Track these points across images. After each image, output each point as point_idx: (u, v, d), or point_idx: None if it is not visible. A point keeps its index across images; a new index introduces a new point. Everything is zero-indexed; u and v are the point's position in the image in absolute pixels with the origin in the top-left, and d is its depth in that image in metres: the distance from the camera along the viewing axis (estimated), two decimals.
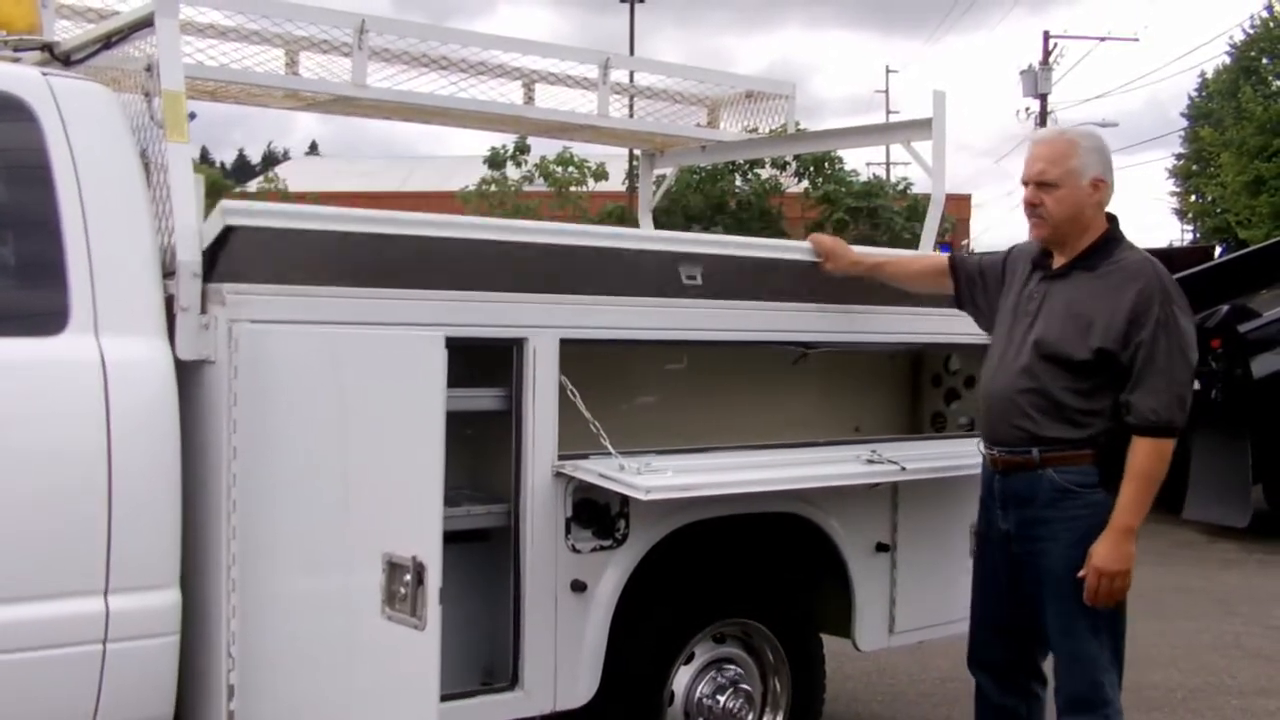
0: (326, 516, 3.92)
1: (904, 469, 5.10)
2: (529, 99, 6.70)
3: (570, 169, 33.51)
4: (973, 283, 5.14)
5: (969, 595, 5.04)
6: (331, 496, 3.91)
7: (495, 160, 34.01)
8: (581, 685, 4.68)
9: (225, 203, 4.12)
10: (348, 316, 4.13)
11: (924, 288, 5.36)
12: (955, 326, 5.47)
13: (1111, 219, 4.74)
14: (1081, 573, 4.51)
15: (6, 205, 3.99)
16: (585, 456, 4.59)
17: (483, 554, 4.66)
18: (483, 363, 4.53)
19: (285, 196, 35.17)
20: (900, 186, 40.14)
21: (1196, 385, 12.22)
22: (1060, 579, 4.58)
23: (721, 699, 5.05)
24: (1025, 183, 4.73)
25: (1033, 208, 4.69)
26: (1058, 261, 4.73)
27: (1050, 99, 44.70)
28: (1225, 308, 12.53)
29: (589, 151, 32.08)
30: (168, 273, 3.98)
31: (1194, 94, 52.71)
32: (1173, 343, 4.49)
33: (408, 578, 3.59)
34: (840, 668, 6.79)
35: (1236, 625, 9.31)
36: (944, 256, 5.28)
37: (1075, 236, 4.68)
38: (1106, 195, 4.70)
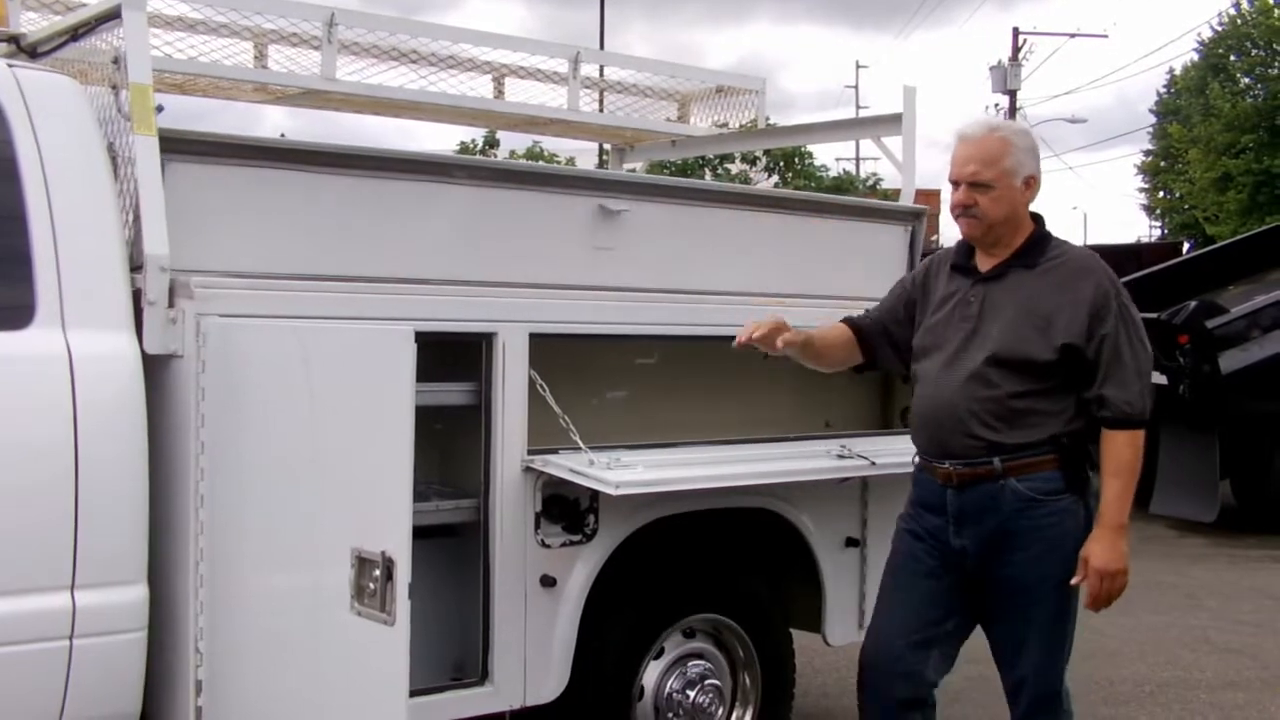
0: (296, 512, 3.91)
1: (874, 464, 5.11)
2: (499, 93, 6.69)
3: (540, 163, 33.47)
4: (887, 336, 4.76)
5: None
6: (301, 491, 3.90)
7: (465, 154, 33.96)
8: (551, 680, 4.68)
9: None
10: (317, 311, 4.12)
11: (843, 362, 4.86)
12: None
13: (1036, 215, 4.59)
14: (1077, 579, 4.36)
15: None
16: (555, 451, 4.59)
17: (452, 549, 4.65)
18: (452, 357, 4.52)
19: None
20: (870, 181, 40.21)
21: (1164, 380, 12.31)
22: (1031, 590, 4.41)
23: (691, 694, 5.06)
24: (955, 182, 4.49)
25: (965, 208, 4.46)
26: (988, 262, 4.52)
27: (1019, 95, 44.79)
28: (1193, 303, 12.58)
29: (559, 146, 31.98)
30: (135, 266, 3.96)
31: (1163, 91, 52.96)
32: (1133, 333, 4.39)
33: (377, 573, 3.58)
34: (810, 662, 6.81)
35: (1205, 619, 9.35)
36: (849, 330, 4.79)
37: (1008, 236, 4.50)
38: (1036, 192, 4.55)
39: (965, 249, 4.61)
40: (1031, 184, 4.50)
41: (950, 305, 4.53)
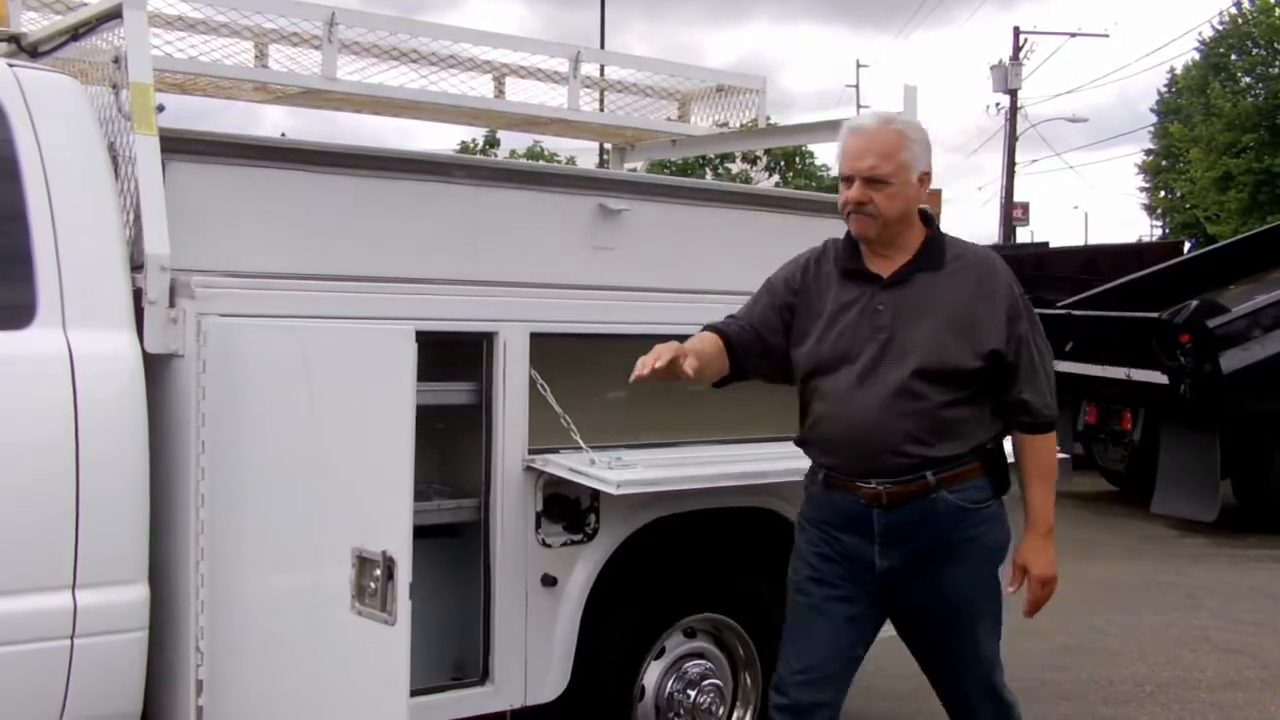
0: (297, 511, 3.92)
1: None
2: (499, 93, 6.68)
3: (540, 163, 33.50)
4: (761, 344, 4.33)
5: None
6: (301, 491, 3.91)
7: (465, 154, 33.98)
8: (552, 680, 4.68)
9: None
10: (318, 310, 4.12)
11: (715, 374, 4.33)
12: None
13: (925, 213, 4.35)
14: (1012, 588, 4.32)
15: None
16: (556, 451, 4.59)
17: (453, 549, 4.65)
18: (453, 357, 4.52)
19: None
20: None
21: (1165, 380, 12.33)
22: (973, 601, 4.27)
23: (692, 694, 5.06)
24: (848, 178, 4.20)
25: (859, 205, 4.15)
26: (886, 266, 4.24)
27: (1020, 94, 44.78)
28: (1194, 303, 12.57)
29: (559, 145, 32.04)
30: (136, 266, 3.96)
31: (1164, 90, 52.94)
32: (1039, 333, 4.29)
33: (378, 572, 3.58)
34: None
35: (1205, 619, 9.34)
36: (716, 338, 4.32)
37: (903, 235, 4.23)
38: (928, 189, 4.29)
39: (850, 251, 4.31)
40: (925, 180, 4.25)
41: (852, 315, 4.21)
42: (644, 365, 4.00)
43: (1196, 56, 47.25)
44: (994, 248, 26.71)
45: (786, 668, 4.30)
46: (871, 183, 4.13)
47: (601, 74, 7.40)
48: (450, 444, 4.72)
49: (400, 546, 3.54)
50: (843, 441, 4.19)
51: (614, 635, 4.86)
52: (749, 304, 4.42)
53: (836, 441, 4.21)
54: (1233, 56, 44.46)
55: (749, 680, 5.33)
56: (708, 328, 4.34)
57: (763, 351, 4.32)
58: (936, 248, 4.27)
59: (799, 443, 4.37)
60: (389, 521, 3.60)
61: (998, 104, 45.64)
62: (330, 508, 3.83)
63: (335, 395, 3.84)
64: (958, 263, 4.25)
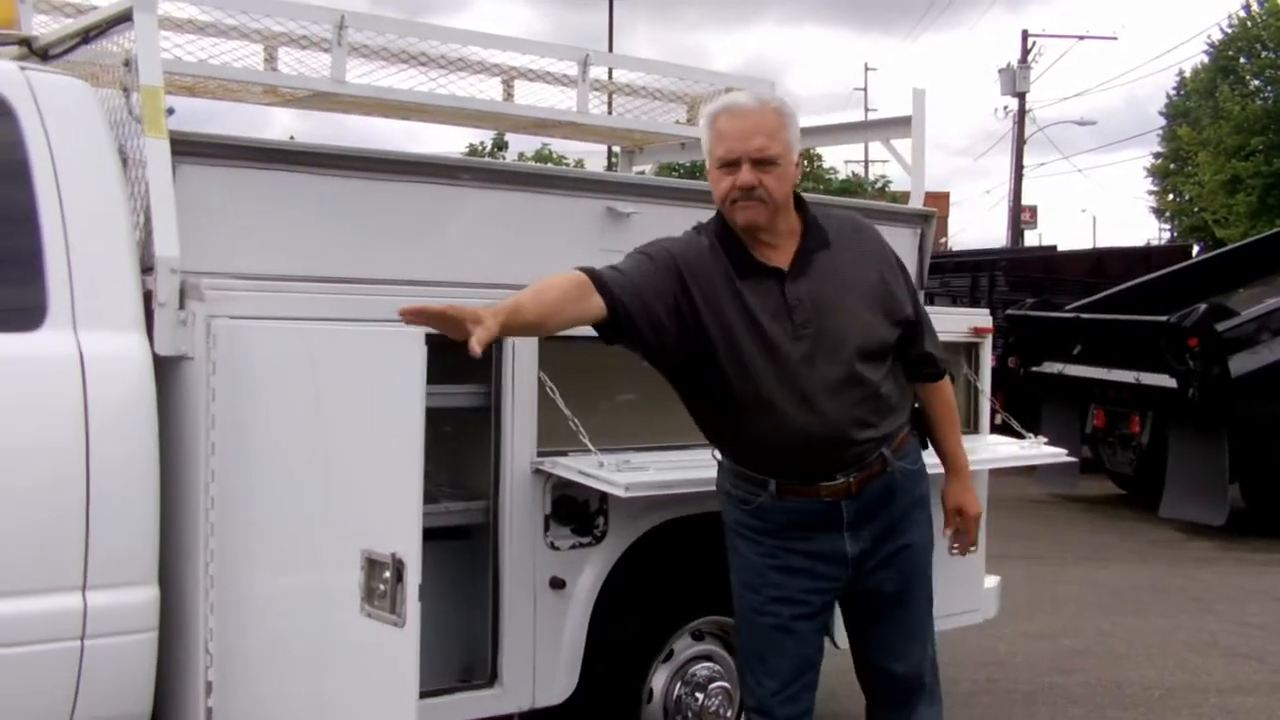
0: (305, 513, 3.92)
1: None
2: (508, 95, 6.70)
3: (548, 165, 33.52)
4: (646, 313, 3.92)
5: (947, 591, 4.80)
6: (310, 493, 3.91)
7: (473, 156, 34.00)
8: (560, 682, 4.68)
9: None
10: (327, 313, 4.12)
11: (569, 318, 3.89)
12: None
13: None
14: (948, 529, 4.46)
15: None
16: (564, 453, 4.59)
17: (461, 551, 4.65)
18: (462, 359, 4.52)
19: None
20: (879, 184, 40.22)
21: (1174, 384, 12.32)
22: (922, 558, 4.31)
23: (700, 697, 5.06)
24: (733, 161, 3.93)
25: (748, 191, 3.92)
26: (779, 255, 4.02)
27: (1029, 97, 44.77)
28: (1203, 306, 12.56)
29: (567, 148, 32.04)
30: (146, 268, 3.98)
31: (1172, 93, 52.84)
32: (911, 281, 4.36)
33: (387, 574, 3.58)
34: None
35: (1213, 623, 9.33)
36: (580, 275, 3.90)
37: (785, 219, 4.04)
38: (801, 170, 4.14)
39: (732, 247, 4.03)
40: (799, 163, 4.10)
41: (766, 316, 3.97)
42: (415, 309, 3.53)
43: (1205, 59, 47.18)
44: (1002, 251, 26.74)
45: (763, 689, 4.20)
46: (760, 164, 3.92)
47: (610, 77, 7.41)
48: (459, 447, 4.72)
49: (409, 548, 3.54)
50: (801, 450, 4.03)
51: (622, 638, 4.87)
52: (634, 269, 3.98)
53: (792, 452, 4.04)
54: (1241, 59, 44.40)
55: None
56: (582, 269, 3.92)
57: (650, 321, 3.92)
58: (816, 224, 4.11)
59: (730, 457, 4.21)
60: (398, 523, 3.59)
61: (1006, 107, 45.71)
62: (339, 510, 3.84)
63: (345, 397, 3.84)
64: (839, 234, 4.13)
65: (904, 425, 4.21)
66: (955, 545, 4.52)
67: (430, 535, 3.81)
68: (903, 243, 6.03)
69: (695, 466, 4.68)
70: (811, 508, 4.10)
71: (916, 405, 4.32)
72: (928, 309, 4.46)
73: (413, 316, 3.50)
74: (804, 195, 4.20)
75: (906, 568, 4.26)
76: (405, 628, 3.56)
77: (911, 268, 5.90)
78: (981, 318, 6.14)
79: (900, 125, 6.44)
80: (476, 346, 3.47)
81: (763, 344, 3.96)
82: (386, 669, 3.65)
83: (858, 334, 4.00)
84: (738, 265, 4.01)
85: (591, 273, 3.89)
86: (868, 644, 4.39)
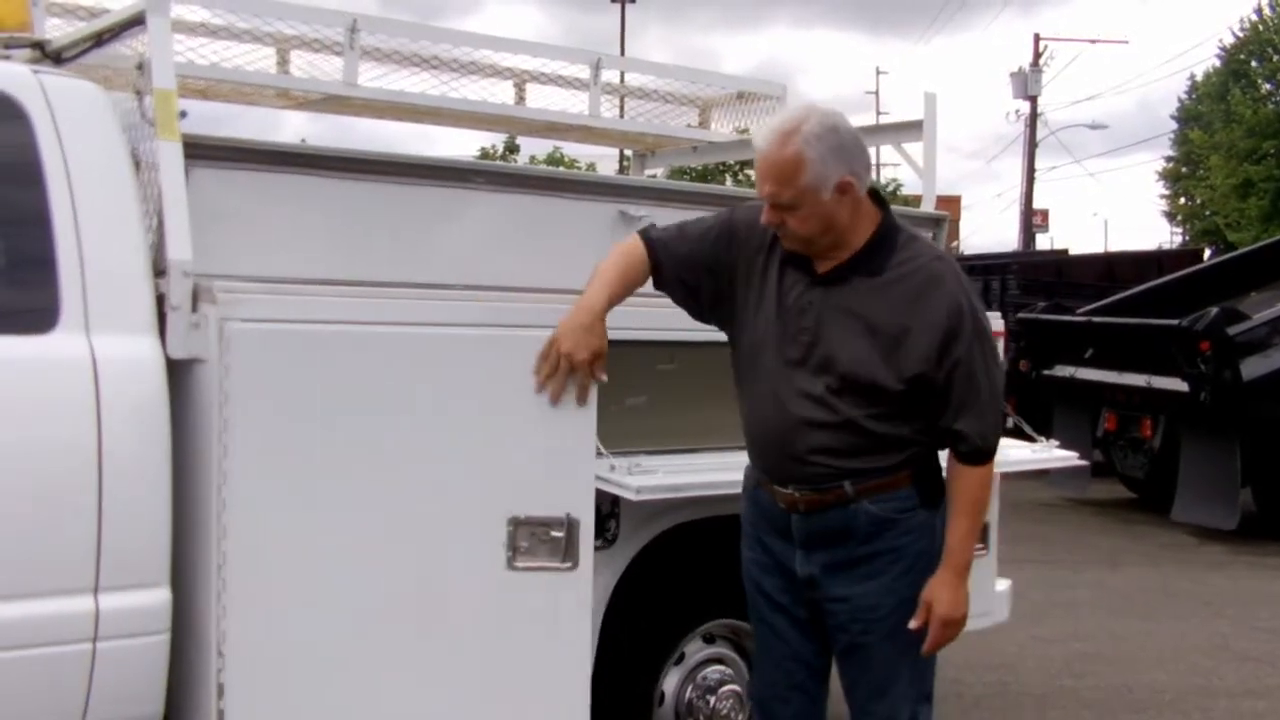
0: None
1: None
2: (520, 99, 6.71)
3: (560, 169, 33.53)
4: (683, 283, 4.17)
5: None
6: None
7: (485, 160, 34.04)
8: None
9: None
10: (338, 316, 4.13)
11: (634, 287, 4.19)
12: None
13: (882, 202, 3.99)
14: (916, 622, 3.93)
15: None
16: None
17: None
18: None
19: None
20: (890, 188, 40.20)
21: (1185, 387, 12.31)
22: (885, 618, 3.98)
23: (711, 699, 5.06)
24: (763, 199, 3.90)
25: (776, 226, 3.90)
26: (825, 264, 3.94)
27: (1040, 101, 44.73)
28: (1215, 310, 12.55)
29: (579, 152, 32.09)
30: (159, 271, 3.98)
31: (1184, 97, 52.91)
32: (988, 354, 3.92)
33: (555, 533, 4.17)
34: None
35: (1224, 627, 9.33)
36: (637, 243, 4.16)
37: (841, 239, 3.89)
38: (862, 186, 3.87)
39: None
40: (849, 188, 3.83)
41: (786, 309, 3.97)
42: (544, 374, 4.16)
43: (1217, 63, 47.27)
44: (1013, 254, 26.68)
45: (758, 682, 4.35)
46: (778, 208, 3.85)
47: (622, 80, 7.42)
48: None
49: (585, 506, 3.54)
50: (762, 444, 4.07)
51: (634, 641, 4.87)
52: (688, 232, 4.16)
53: (758, 443, 4.10)
54: (1253, 63, 44.45)
55: None
56: (641, 235, 4.18)
57: (686, 288, 4.16)
58: (880, 249, 3.92)
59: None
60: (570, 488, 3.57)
61: (1017, 110, 45.70)
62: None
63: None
64: (901, 268, 3.89)
65: (890, 469, 3.93)
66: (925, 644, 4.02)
67: None
68: None
69: (707, 470, 4.69)
70: (771, 509, 4.10)
71: (924, 456, 4.02)
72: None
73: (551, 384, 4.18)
74: (897, 218, 4.02)
75: (863, 618, 4.00)
76: (579, 569, 4.19)
77: None
78: (993, 321, 6.12)
79: (912, 129, 6.44)
80: (601, 375, 4.20)
81: (766, 326, 3.99)
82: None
83: (845, 364, 3.85)
84: (788, 253, 3.99)
85: (645, 237, 4.16)
86: (843, 681, 4.20)
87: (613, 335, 4.36)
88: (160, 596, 3.89)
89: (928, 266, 3.90)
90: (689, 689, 5.06)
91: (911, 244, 3.97)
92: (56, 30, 5.10)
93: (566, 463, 4.29)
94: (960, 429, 3.90)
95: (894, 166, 46.21)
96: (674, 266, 4.12)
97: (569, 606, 4.31)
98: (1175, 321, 12.57)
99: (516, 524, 4.19)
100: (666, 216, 5.02)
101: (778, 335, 3.96)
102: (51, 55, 4.75)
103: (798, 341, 3.92)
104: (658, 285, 4.18)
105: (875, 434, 3.88)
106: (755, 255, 4.05)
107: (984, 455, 3.97)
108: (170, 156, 4.01)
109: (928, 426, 3.94)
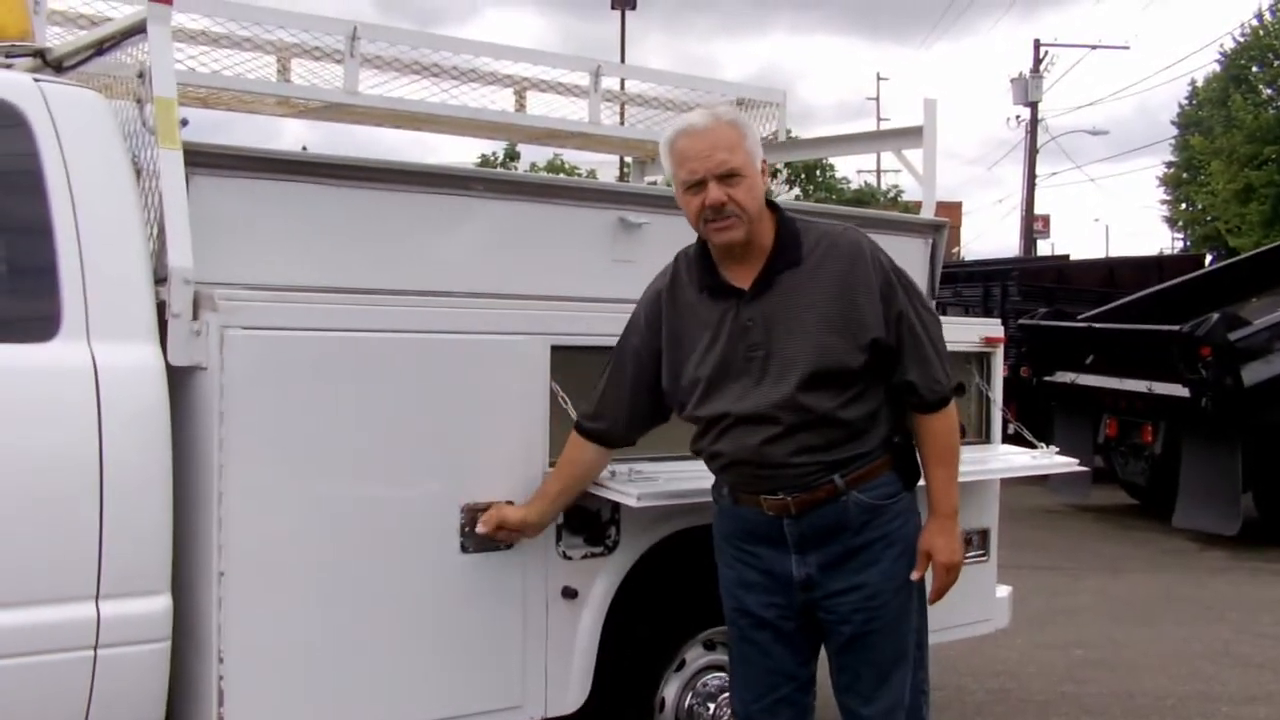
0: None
1: None
2: (520, 106, 6.72)
3: (560, 176, 33.57)
4: (639, 416, 4.38)
5: (959, 601, 4.61)
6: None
7: (485, 167, 34.06)
8: (572, 692, 4.68)
9: None
10: (339, 323, 4.13)
11: (593, 474, 4.48)
12: None
13: (770, 202, 4.10)
14: (918, 573, 4.08)
15: None
16: None
17: None
18: None
19: None
20: (891, 194, 40.23)
21: (1186, 393, 12.30)
22: (890, 602, 4.07)
23: (711, 707, 5.05)
24: (698, 182, 3.95)
25: (718, 210, 3.92)
26: (744, 274, 4.03)
27: (1041, 107, 44.75)
28: (1216, 316, 12.55)
29: (579, 159, 32.16)
30: (160, 279, 3.99)
31: (1184, 102, 52.87)
32: (917, 302, 4.05)
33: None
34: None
35: (1226, 633, 9.32)
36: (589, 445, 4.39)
37: (760, 233, 3.99)
38: (768, 179, 4.10)
39: (704, 266, 4.12)
40: (765, 170, 4.07)
41: (723, 338, 4.02)
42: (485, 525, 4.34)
43: (1217, 68, 47.24)
44: (1014, 260, 26.66)
45: (739, 698, 4.33)
46: (726, 179, 3.91)
47: (622, 87, 7.43)
48: None
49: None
50: (742, 466, 4.07)
51: (634, 647, 4.87)
52: (616, 369, 4.35)
53: (737, 466, 4.09)
54: (1254, 68, 44.45)
55: None
56: (580, 433, 4.40)
57: (652, 413, 4.38)
58: (791, 239, 4.02)
59: (695, 454, 4.26)
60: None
61: (1018, 116, 45.71)
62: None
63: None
64: (818, 252, 3.99)
65: (871, 454, 4.04)
66: (930, 593, 4.20)
67: None
68: (914, 253, 6.03)
69: (707, 477, 4.69)
70: (756, 519, 4.11)
71: (896, 440, 4.12)
72: (943, 320, 4.31)
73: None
74: (784, 207, 4.16)
75: (865, 607, 4.07)
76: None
77: (922, 278, 5.89)
78: (993, 327, 6.13)
79: (912, 135, 6.45)
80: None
81: (717, 363, 4.03)
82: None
83: (807, 361, 3.91)
84: (704, 285, 4.10)
85: (577, 427, 4.40)
86: (837, 678, 4.23)
87: (614, 342, 4.38)
88: (161, 603, 3.90)
89: (843, 240, 4.04)
90: (689, 696, 5.05)
91: (813, 228, 4.09)
92: (57, 39, 5.12)
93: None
94: (912, 380, 4.02)
95: (894, 173, 46.27)
96: (633, 397, 4.32)
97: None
98: (1176, 327, 12.58)
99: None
100: (666, 223, 5.05)
101: (726, 363, 4.02)
102: (53, 64, 4.75)
103: (752, 360, 3.98)
104: (652, 422, 4.45)
105: (848, 421, 3.97)
106: (674, 313, 4.17)
107: (942, 400, 4.09)
108: (171, 164, 4.01)
109: (888, 394, 4.05)
